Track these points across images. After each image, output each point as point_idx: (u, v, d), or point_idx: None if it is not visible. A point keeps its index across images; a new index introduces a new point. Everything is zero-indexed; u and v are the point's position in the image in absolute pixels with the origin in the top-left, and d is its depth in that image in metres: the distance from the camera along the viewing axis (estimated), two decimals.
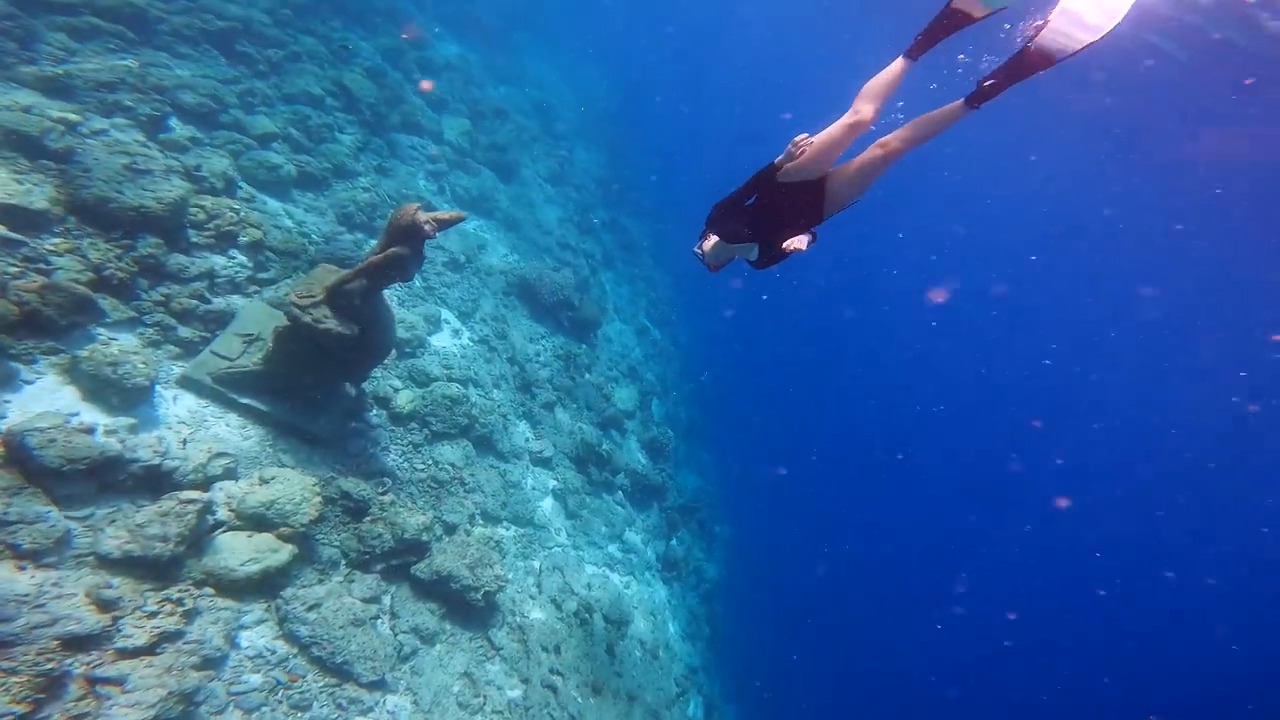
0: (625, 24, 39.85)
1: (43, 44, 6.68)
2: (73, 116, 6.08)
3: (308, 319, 5.48)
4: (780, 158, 4.25)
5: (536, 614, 7.07)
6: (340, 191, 9.31)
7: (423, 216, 5.38)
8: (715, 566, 12.79)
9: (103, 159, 5.65)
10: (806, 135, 4.16)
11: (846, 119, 4.14)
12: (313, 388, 6.20)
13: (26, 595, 3.52)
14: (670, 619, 9.57)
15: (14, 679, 3.28)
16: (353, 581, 5.63)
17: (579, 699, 6.69)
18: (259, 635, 4.80)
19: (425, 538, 6.15)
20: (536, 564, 7.72)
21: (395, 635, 5.68)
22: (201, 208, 6.48)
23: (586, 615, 7.56)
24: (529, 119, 18.66)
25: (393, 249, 5.44)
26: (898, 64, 4.16)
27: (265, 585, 4.96)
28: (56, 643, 3.56)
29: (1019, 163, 27.84)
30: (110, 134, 6.29)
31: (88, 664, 3.70)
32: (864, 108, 4.11)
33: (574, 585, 7.88)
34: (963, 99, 3.91)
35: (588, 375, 11.72)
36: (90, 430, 4.36)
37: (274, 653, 4.80)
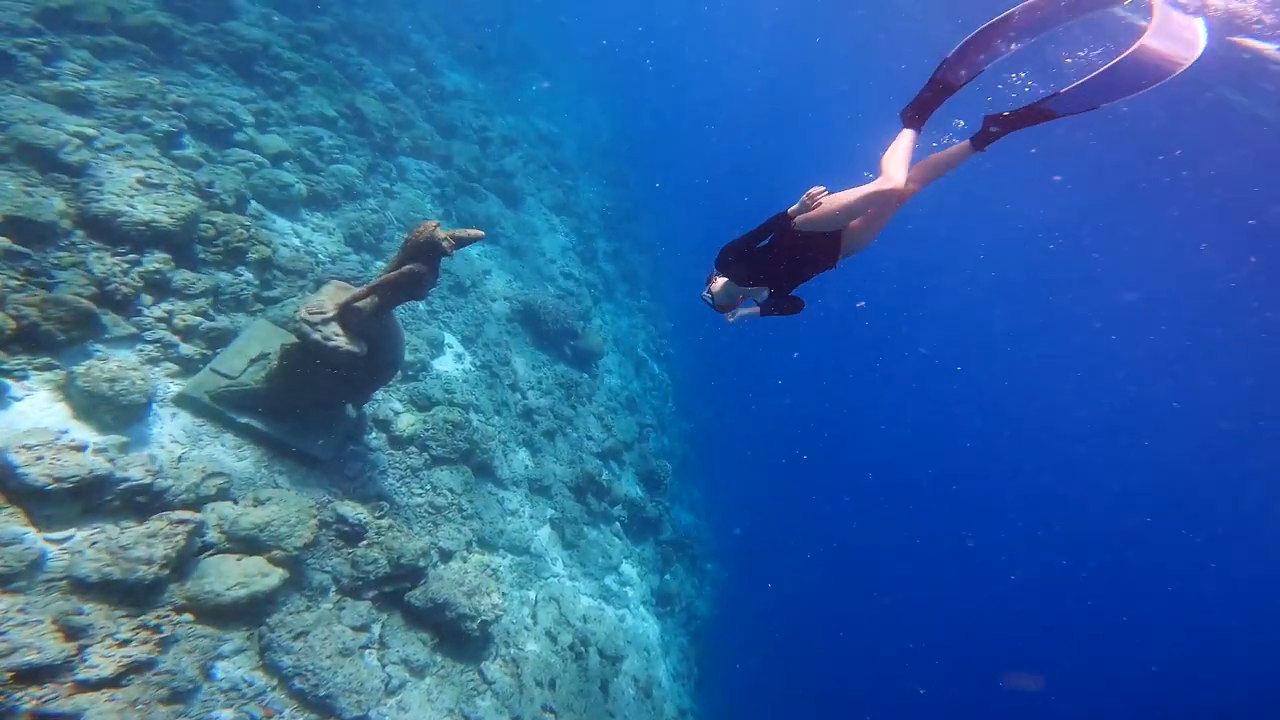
0: (628, 63, 40.76)
1: (65, 60, 6.74)
2: (89, 131, 6.10)
3: (317, 336, 5.41)
4: (794, 207, 4.28)
5: (531, 646, 6.86)
6: (349, 212, 9.34)
7: (441, 233, 5.34)
8: (705, 604, 12.50)
9: (116, 173, 5.65)
10: (823, 188, 4.23)
11: (879, 185, 4.04)
12: (314, 408, 6.11)
13: None
14: (662, 656, 9.30)
15: None
16: (343, 609, 5.45)
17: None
18: (236, 666, 4.61)
19: (422, 563, 5.99)
20: (532, 594, 7.52)
21: (384, 667, 5.48)
22: (212, 224, 6.47)
23: (582, 649, 7.33)
24: (535, 148, 18.88)
25: (409, 265, 5.38)
26: (907, 135, 4.20)
27: (251, 612, 4.80)
28: (9, 675, 3.38)
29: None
30: (125, 149, 6.30)
31: (38, 699, 3.50)
32: (899, 176, 4.04)
33: (570, 617, 7.66)
34: (969, 141, 4.01)
35: (588, 405, 11.62)
36: (80, 448, 4.25)
37: (251, 684, 4.60)
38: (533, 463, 9.34)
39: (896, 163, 4.12)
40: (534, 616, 7.27)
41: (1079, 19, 4.04)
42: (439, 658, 5.93)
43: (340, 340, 5.45)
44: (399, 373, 6.80)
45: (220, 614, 4.58)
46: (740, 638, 13.89)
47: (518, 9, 26.32)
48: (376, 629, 5.65)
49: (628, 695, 7.75)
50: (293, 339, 5.69)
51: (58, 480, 3.99)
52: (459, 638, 6.09)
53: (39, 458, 3.96)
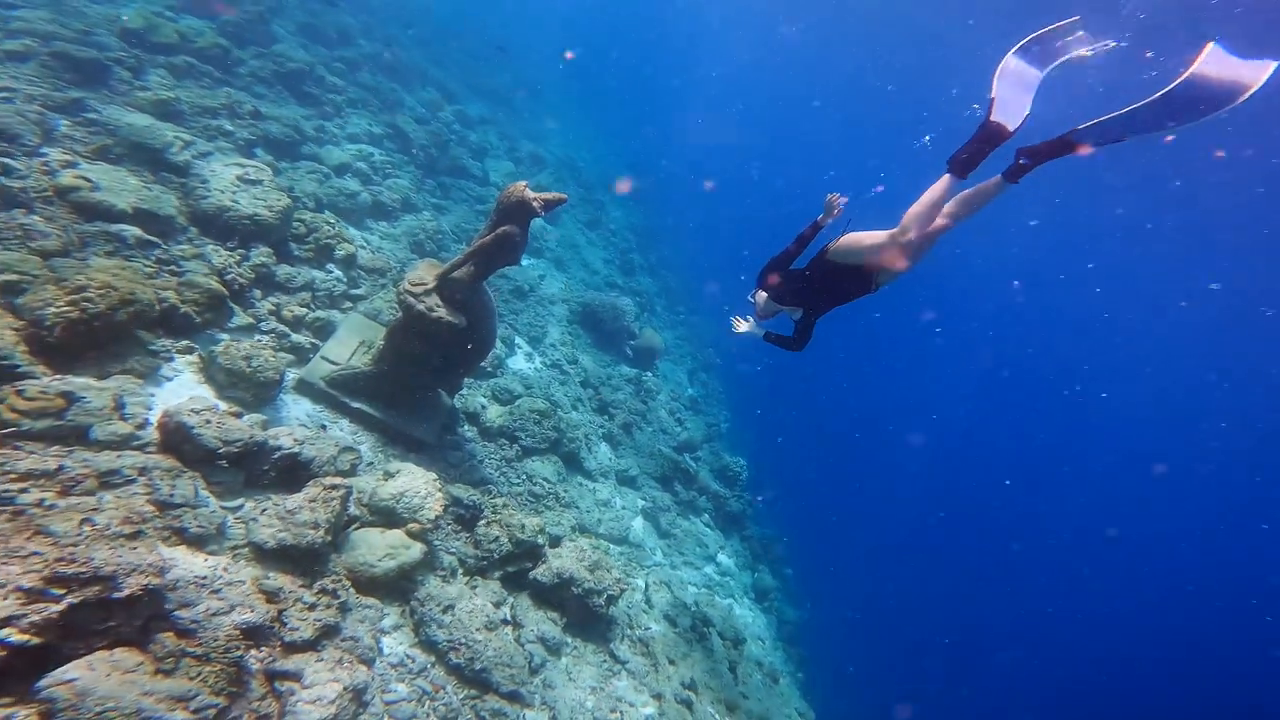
0: (629, 97, 42.15)
1: (150, 75, 7.13)
2: (185, 136, 6.40)
3: (421, 306, 5.52)
4: (821, 215, 4.76)
5: (654, 627, 6.78)
6: (409, 221, 9.61)
7: (531, 193, 5.50)
8: (792, 609, 12.30)
9: (218, 170, 5.90)
10: (839, 195, 4.65)
11: (894, 235, 4.40)
12: (417, 390, 6.22)
13: (204, 578, 3.42)
14: (774, 648, 9.15)
15: (207, 668, 3.13)
16: (475, 587, 5.47)
17: (716, 716, 6.33)
18: (398, 642, 4.60)
19: (540, 540, 6.00)
20: (641, 581, 7.46)
21: (522, 645, 5.45)
22: (302, 221, 6.70)
23: (704, 630, 7.21)
24: (560, 169, 19.38)
25: (503, 228, 5.53)
26: (943, 182, 4.33)
27: (400, 584, 4.82)
28: (237, 631, 3.43)
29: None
30: (215, 154, 6.59)
31: (260, 659, 3.57)
32: (910, 227, 4.34)
33: (684, 601, 7.60)
34: (1001, 175, 4.18)
35: (657, 400, 11.68)
36: (238, 415, 4.37)
37: (414, 660, 4.59)
38: (615, 454, 9.34)
39: (918, 215, 4.36)
40: (648, 601, 7.19)
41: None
42: (570, 638, 5.87)
43: (442, 311, 5.56)
44: (489, 354, 6.89)
45: (375, 586, 4.60)
46: (832, 647, 13.58)
47: (520, 50, 27.35)
48: (507, 608, 5.64)
49: (755, 680, 7.57)
50: (382, 332, 5.85)
51: (226, 443, 4.08)
52: (586, 615, 6.03)
53: (207, 421, 4.07)
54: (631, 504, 8.78)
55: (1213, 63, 3.59)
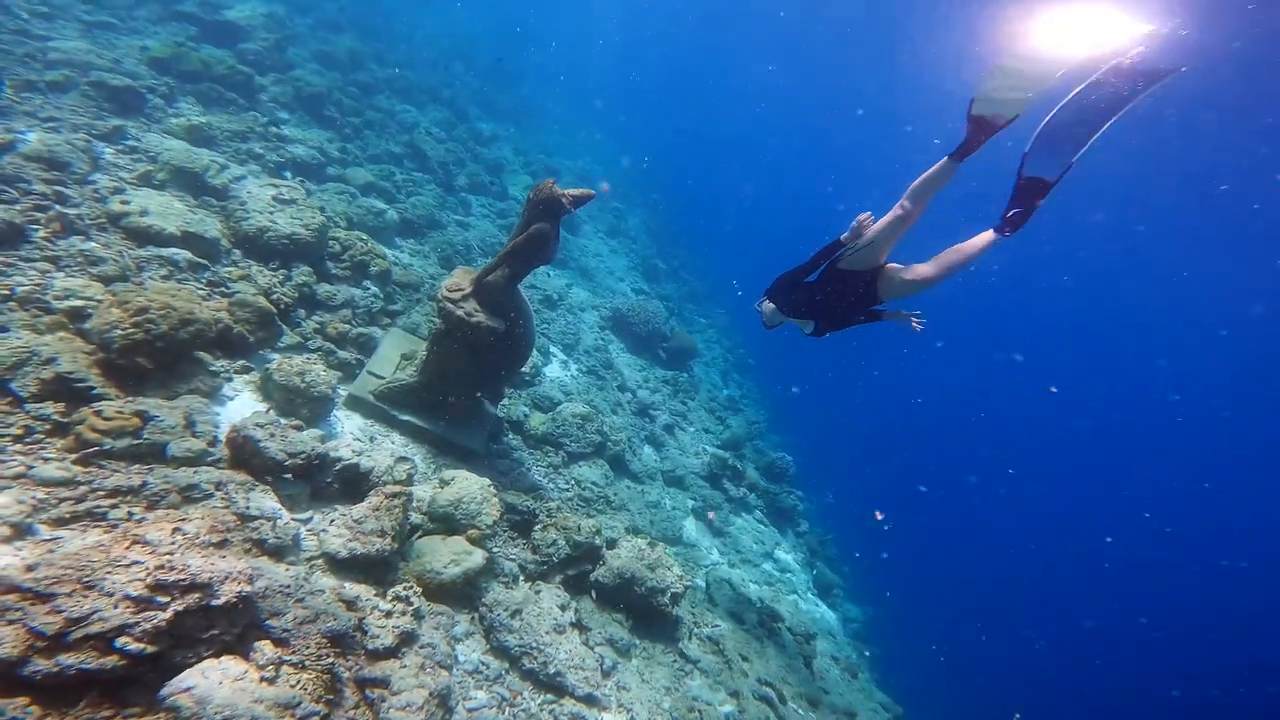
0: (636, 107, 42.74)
1: (180, 102, 7.42)
2: (220, 161, 6.63)
3: (460, 312, 5.63)
4: (846, 234, 4.92)
5: (721, 625, 6.77)
6: (436, 237, 9.80)
7: (559, 190, 5.58)
8: (855, 606, 12.17)
9: (255, 192, 6.09)
10: (869, 214, 4.81)
11: (895, 213, 4.76)
12: (463, 398, 6.33)
13: (288, 587, 3.51)
14: (845, 644, 9.06)
15: (305, 675, 3.20)
16: (539, 592, 5.51)
17: (799, 712, 6.28)
18: (470, 649, 4.66)
19: (598, 541, 6.03)
20: (700, 580, 7.47)
21: (592, 648, 5.48)
22: (336, 239, 6.87)
23: (774, 626, 7.17)
24: (574, 181, 19.61)
25: (534, 225, 5.62)
26: (944, 164, 4.66)
27: (466, 591, 4.89)
28: (325, 640, 3.51)
29: None
30: (248, 177, 6.81)
31: (349, 667, 3.64)
32: (909, 205, 4.71)
33: (748, 597, 7.58)
34: (992, 229, 4.52)
35: (696, 399, 11.71)
36: (299, 428, 4.48)
37: (488, 666, 4.64)
38: (659, 456, 9.37)
39: (913, 192, 4.72)
40: (711, 599, 7.18)
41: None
42: (638, 639, 5.89)
43: (481, 316, 5.66)
44: (529, 357, 6.98)
45: (443, 593, 4.66)
46: (906, 645, 13.39)
47: (523, 71, 27.77)
48: (572, 612, 5.67)
49: (833, 675, 7.50)
50: (424, 344, 5.97)
51: (291, 455, 4.19)
52: (651, 615, 6.04)
53: (272, 434, 4.18)
54: (682, 504, 8.79)
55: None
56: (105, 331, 3.97)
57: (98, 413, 3.56)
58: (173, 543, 2.95)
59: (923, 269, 4.82)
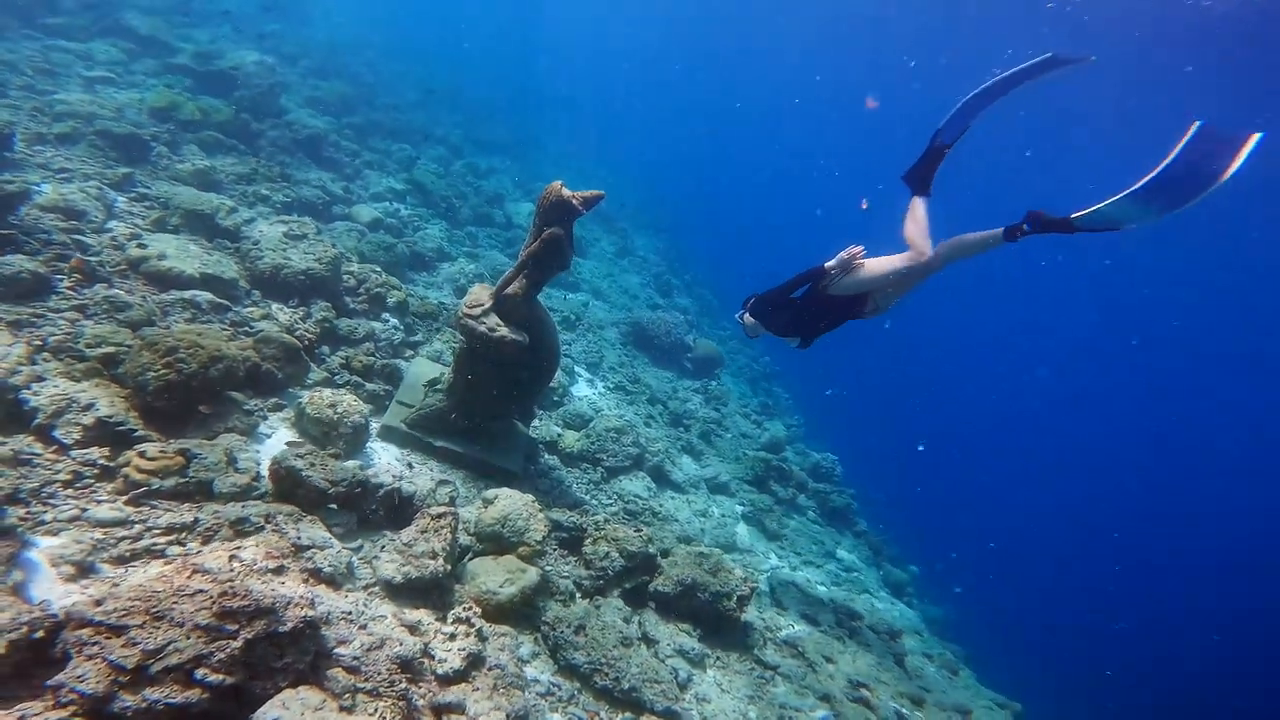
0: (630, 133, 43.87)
1: (184, 149, 7.62)
2: (229, 204, 6.77)
3: (482, 328, 5.62)
4: (832, 264, 5.18)
5: (796, 628, 6.60)
6: (447, 269, 9.90)
7: (568, 191, 5.59)
8: (931, 605, 11.88)
9: (266, 231, 6.20)
10: (862, 249, 5.08)
11: (907, 260, 4.97)
12: (494, 421, 6.31)
13: (350, 614, 3.47)
14: (934, 641, 8.78)
15: (381, 703, 3.13)
16: (599, 607, 5.41)
17: (904, 711, 6.07)
18: (539, 670, 4.57)
19: (652, 550, 5.93)
20: (763, 585, 7.32)
21: (663, 661, 5.35)
22: (350, 273, 6.96)
23: (853, 624, 6.99)
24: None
25: (548, 230, 5.62)
26: (918, 204, 5.04)
27: (525, 611, 4.81)
28: (395, 665, 3.45)
29: None
30: (258, 221, 6.93)
31: (421, 694, 3.57)
32: (925, 247, 4.91)
33: (819, 598, 7.41)
34: (1003, 230, 4.65)
35: (729, 406, 11.63)
36: (338, 457, 4.47)
37: (560, 687, 4.53)
38: (699, 464, 9.27)
39: (920, 235, 4.93)
40: (779, 602, 7.01)
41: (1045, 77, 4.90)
42: (709, 649, 5.74)
43: (504, 330, 5.66)
44: (557, 370, 6.94)
45: (503, 613, 4.58)
46: (997, 642, 12.99)
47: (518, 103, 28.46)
48: (635, 625, 5.56)
49: (930, 672, 7.24)
50: (460, 339, 5.98)
51: (334, 483, 4.18)
52: (719, 622, 5.90)
53: (313, 464, 4.18)
54: (730, 510, 8.67)
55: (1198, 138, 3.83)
56: (139, 375, 4.01)
57: (142, 454, 3.58)
58: (231, 570, 2.93)
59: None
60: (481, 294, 5.98)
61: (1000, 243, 4.72)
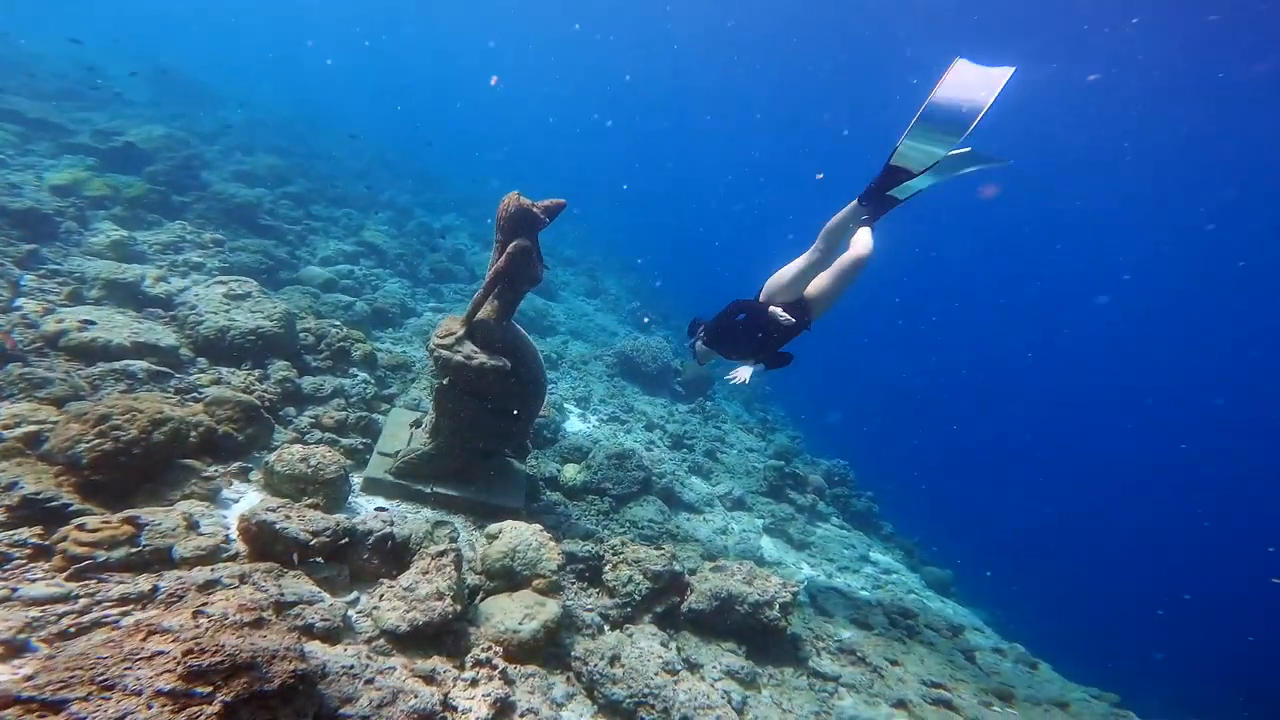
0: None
1: (96, 224, 7.27)
2: (156, 272, 6.42)
3: (459, 358, 5.33)
4: (763, 296, 5.71)
5: (847, 634, 6.15)
6: (414, 322, 9.61)
7: (527, 200, 5.37)
8: (977, 603, 11.43)
9: (204, 294, 5.86)
10: (785, 315, 5.53)
11: (811, 258, 5.55)
12: (487, 454, 5.95)
13: (352, 668, 3.04)
14: (996, 637, 8.30)
15: None
16: (631, 635, 4.96)
17: (995, 709, 5.59)
18: (577, 712, 4.11)
19: (677, 567, 5.52)
20: (801, 595, 6.87)
21: (711, 685, 4.89)
22: (308, 330, 6.61)
23: (910, 624, 6.56)
24: (545, 253, 19.73)
25: (513, 244, 5.36)
26: (852, 205, 5.49)
27: (551, 650, 4.37)
28: None
29: None
30: (192, 290, 6.58)
31: None
32: (823, 247, 5.50)
33: (867, 600, 6.98)
34: (856, 199, 5.43)
35: (729, 423, 11.31)
36: (316, 507, 4.08)
37: None
38: (710, 483, 8.89)
39: (827, 233, 5.49)
40: (822, 610, 6.55)
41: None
42: (759, 666, 5.28)
43: (482, 357, 5.37)
44: (545, 396, 6.59)
45: (527, 652, 4.14)
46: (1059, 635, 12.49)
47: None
48: (673, 650, 5.11)
49: (1004, 667, 6.74)
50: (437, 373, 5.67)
51: (315, 534, 3.76)
52: (764, 636, 5.45)
53: (288, 516, 3.77)
54: (751, 525, 8.26)
55: (958, 77, 4.67)
56: (68, 449, 3.62)
57: (80, 527, 3.17)
58: (198, 626, 2.51)
59: (826, 280, 5.64)
60: (452, 324, 5.69)
61: (860, 212, 5.38)
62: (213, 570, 3.27)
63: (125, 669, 2.20)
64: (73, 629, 2.57)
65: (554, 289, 16.56)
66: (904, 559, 9.67)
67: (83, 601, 2.72)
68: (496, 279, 5.47)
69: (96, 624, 2.61)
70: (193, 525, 3.60)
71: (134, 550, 3.19)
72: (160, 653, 2.31)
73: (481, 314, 5.61)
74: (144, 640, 2.35)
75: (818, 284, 5.64)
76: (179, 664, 2.29)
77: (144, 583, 2.97)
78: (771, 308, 5.57)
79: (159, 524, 3.41)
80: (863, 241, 5.45)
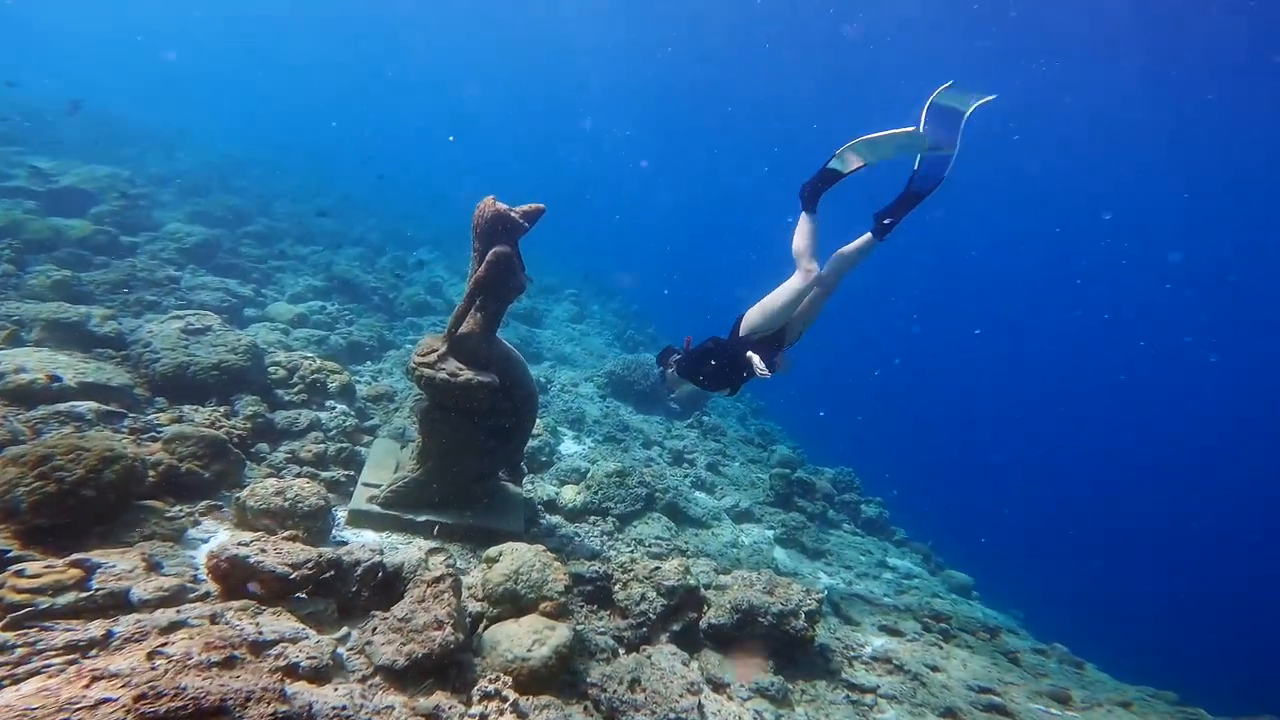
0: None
1: (35, 266, 6.93)
2: (104, 312, 6.07)
3: (443, 376, 5.03)
4: (744, 328, 5.73)
5: (879, 641, 5.80)
6: (394, 354, 9.30)
7: (503, 205, 5.13)
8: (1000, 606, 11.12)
9: (158, 329, 5.52)
10: (764, 371, 5.57)
11: (801, 280, 5.49)
12: (481, 478, 5.62)
13: (344, 708, 2.69)
14: (1031, 638, 7.97)
15: None
16: (650, 656, 4.61)
17: (1056, 712, 5.26)
18: None
19: (691, 581, 5.18)
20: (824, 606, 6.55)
21: (743, 705, 4.55)
22: (278, 364, 6.28)
23: (946, 627, 6.23)
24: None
25: (492, 250, 5.10)
26: (806, 221, 5.53)
27: (565, 678, 4.02)
28: None
29: None
30: (145, 327, 6.23)
31: None
32: (811, 265, 5.46)
33: (894, 606, 6.66)
34: (870, 232, 5.37)
35: (728, 436, 11.04)
36: (295, 538, 3.73)
37: None
38: (715, 496, 8.57)
39: (808, 252, 5.46)
40: (847, 618, 6.23)
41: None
42: (790, 682, 4.93)
43: (468, 373, 5.09)
44: (537, 411, 6.27)
45: (538, 680, 3.76)
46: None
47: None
48: (696, 669, 4.75)
49: (1050, 667, 6.43)
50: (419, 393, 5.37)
51: (295, 567, 3.39)
52: (791, 649, 5.10)
53: (263, 549, 3.42)
54: (761, 536, 7.94)
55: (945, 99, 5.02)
56: (5, 494, 3.26)
57: (19, 573, 2.81)
58: (153, 668, 2.17)
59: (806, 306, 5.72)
60: (433, 341, 5.40)
61: (874, 243, 5.37)
62: (179, 612, 2.92)
63: None
64: (6, 681, 2.21)
65: (537, 317, 16.34)
66: (922, 563, 9.36)
67: (20, 652, 2.36)
68: (477, 288, 5.21)
69: (35, 674, 2.25)
70: (154, 566, 3.24)
71: (84, 595, 2.83)
72: (106, 700, 1.97)
73: (464, 328, 5.34)
74: (86, 687, 2.00)
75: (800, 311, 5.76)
76: (129, 712, 1.95)
77: (96, 629, 2.61)
78: (750, 353, 5.60)
79: (113, 566, 3.05)
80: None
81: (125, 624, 2.72)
